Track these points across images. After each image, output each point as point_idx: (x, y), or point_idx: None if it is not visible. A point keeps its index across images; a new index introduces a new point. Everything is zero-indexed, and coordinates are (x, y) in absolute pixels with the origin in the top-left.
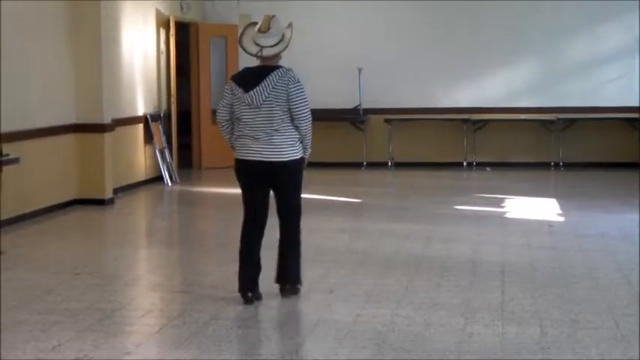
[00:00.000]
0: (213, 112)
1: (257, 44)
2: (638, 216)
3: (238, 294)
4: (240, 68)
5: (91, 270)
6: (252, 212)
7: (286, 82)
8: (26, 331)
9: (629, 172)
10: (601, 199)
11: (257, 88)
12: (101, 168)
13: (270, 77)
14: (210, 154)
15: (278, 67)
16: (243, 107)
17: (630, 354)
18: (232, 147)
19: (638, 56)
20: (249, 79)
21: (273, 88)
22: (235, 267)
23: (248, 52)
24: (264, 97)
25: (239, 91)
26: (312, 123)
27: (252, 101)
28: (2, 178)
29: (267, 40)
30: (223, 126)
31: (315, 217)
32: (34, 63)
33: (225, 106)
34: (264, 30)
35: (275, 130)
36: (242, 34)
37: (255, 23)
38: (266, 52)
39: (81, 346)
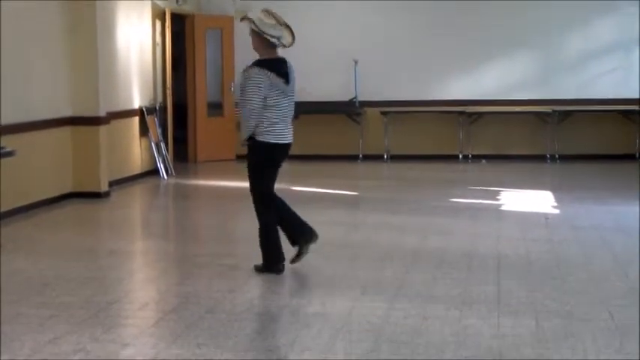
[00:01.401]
0: (209, 105)
1: (274, 35)
2: (633, 208)
3: (235, 286)
4: (237, 60)
5: (87, 263)
6: (270, 190)
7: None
8: (23, 324)
9: (625, 164)
10: (596, 192)
11: (291, 77)
12: (97, 161)
13: (291, 68)
14: (205, 147)
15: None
16: (281, 95)
17: (626, 345)
18: (256, 133)
19: (638, 48)
20: (281, 69)
21: (294, 77)
22: (230, 260)
23: (273, 37)
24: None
25: (278, 80)
26: (308, 116)
27: (292, 90)
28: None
29: (283, 33)
30: (256, 113)
31: (311, 210)
32: (29, 56)
33: (262, 95)
34: (282, 23)
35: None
36: (261, 20)
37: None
38: (286, 42)
39: (78, 339)
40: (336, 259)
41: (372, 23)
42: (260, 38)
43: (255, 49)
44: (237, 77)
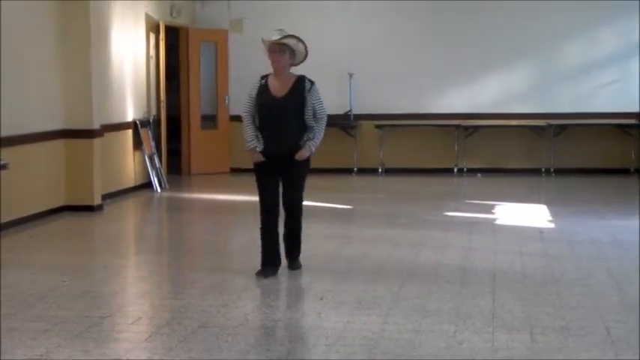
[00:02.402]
0: (203, 118)
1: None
2: (629, 222)
3: (228, 299)
4: (231, 74)
5: (80, 277)
6: None
7: None
8: (16, 338)
9: (621, 178)
10: (592, 206)
11: None
12: (90, 174)
13: None
14: (199, 160)
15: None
16: None
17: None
18: None
19: (636, 62)
20: None
21: None
22: (224, 274)
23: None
24: None
25: None
26: None
27: None
28: None
29: None
30: None
31: (305, 224)
32: (22, 68)
33: None
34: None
35: None
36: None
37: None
38: None
39: (70, 353)
40: (330, 273)
41: (368, 37)
42: (292, 56)
43: (283, 67)
44: (233, 90)
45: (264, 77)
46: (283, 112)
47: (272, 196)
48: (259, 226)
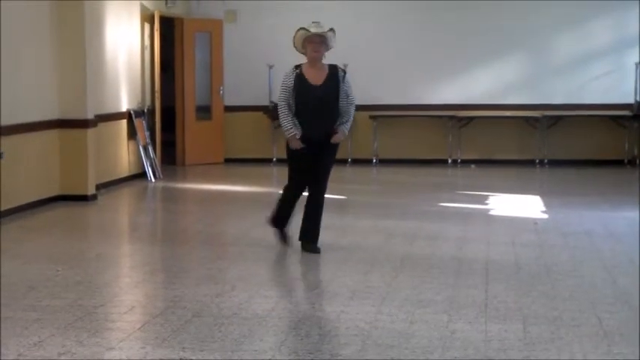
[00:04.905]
0: (198, 109)
1: None
2: (622, 213)
3: (222, 289)
4: (226, 64)
5: (74, 266)
6: None
7: None
8: (8, 327)
9: (614, 169)
10: (586, 197)
11: None
12: (84, 164)
13: None
14: (193, 150)
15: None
16: None
17: (613, 351)
18: None
19: (632, 54)
20: None
21: None
22: (217, 264)
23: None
24: None
25: None
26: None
27: None
28: None
29: None
30: None
31: (299, 214)
32: (16, 58)
33: None
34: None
35: None
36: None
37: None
38: None
39: (63, 342)
40: (324, 264)
41: (362, 27)
42: (327, 47)
43: (320, 57)
44: (227, 81)
45: (298, 67)
46: (322, 99)
47: (304, 179)
48: (282, 192)
